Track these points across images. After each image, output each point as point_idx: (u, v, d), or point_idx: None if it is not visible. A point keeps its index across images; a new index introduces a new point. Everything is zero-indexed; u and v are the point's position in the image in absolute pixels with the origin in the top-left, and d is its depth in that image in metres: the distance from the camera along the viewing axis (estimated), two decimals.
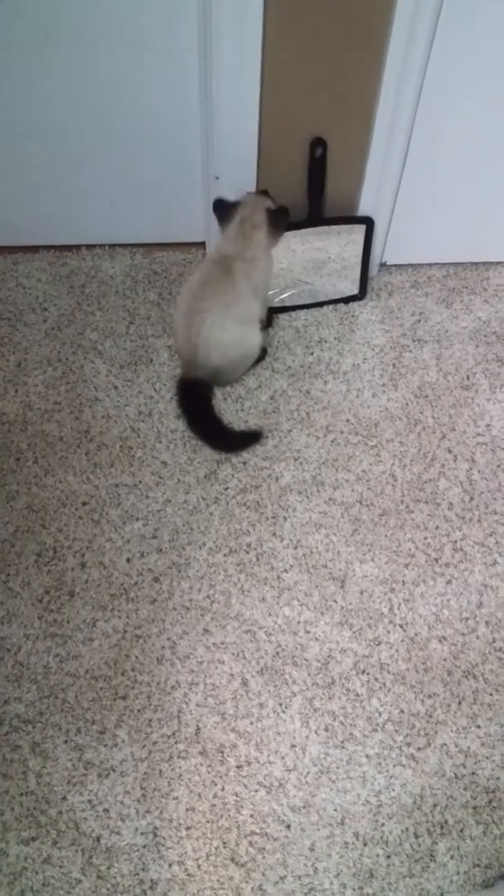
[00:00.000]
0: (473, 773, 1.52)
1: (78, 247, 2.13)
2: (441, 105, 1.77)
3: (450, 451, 1.88)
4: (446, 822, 1.47)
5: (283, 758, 1.51)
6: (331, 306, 2.11)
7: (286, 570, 1.71)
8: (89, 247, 2.14)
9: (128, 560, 1.70)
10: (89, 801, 1.46)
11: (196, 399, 1.87)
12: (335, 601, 1.67)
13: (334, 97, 1.74)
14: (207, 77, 1.71)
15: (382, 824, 1.47)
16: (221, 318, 1.78)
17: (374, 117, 1.76)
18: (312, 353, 2.03)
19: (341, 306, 2.11)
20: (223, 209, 1.85)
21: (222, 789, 1.48)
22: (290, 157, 1.86)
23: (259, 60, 1.63)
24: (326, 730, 1.54)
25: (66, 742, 1.51)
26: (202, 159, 1.92)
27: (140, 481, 1.80)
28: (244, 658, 1.61)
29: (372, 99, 1.73)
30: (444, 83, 1.72)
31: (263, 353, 1.97)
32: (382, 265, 2.19)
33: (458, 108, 1.79)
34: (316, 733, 1.54)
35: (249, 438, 1.87)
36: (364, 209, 1.97)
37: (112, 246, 2.15)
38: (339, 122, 1.79)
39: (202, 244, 2.17)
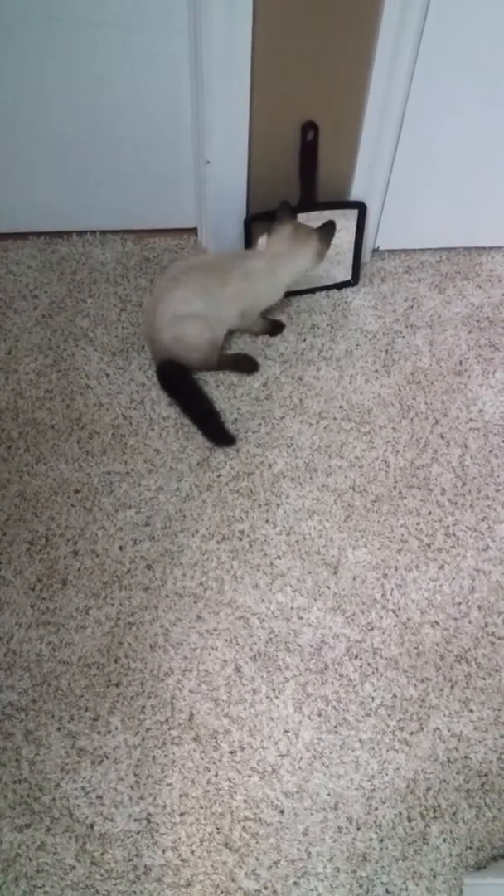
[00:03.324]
0: (466, 757, 1.52)
1: (69, 233, 2.12)
2: (433, 88, 1.75)
3: (442, 437, 1.88)
4: (439, 805, 1.48)
5: (276, 743, 1.51)
6: (323, 292, 2.11)
7: (279, 557, 1.71)
8: (80, 233, 2.12)
9: (120, 548, 1.70)
10: (83, 788, 1.46)
11: (176, 380, 1.86)
12: (328, 587, 1.67)
13: (326, 80, 1.73)
14: (198, 61, 1.69)
15: (376, 808, 1.47)
16: (191, 294, 1.78)
17: (366, 100, 1.75)
18: (305, 340, 2.02)
19: (334, 292, 2.10)
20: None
21: (216, 775, 1.48)
22: (282, 140, 1.84)
23: (249, 44, 1.61)
24: (319, 715, 1.54)
25: (59, 729, 1.51)
26: (193, 144, 1.90)
27: (132, 469, 1.79)
28: (237, 644, 1.61)
29: (363, 82, 1.71)
30: (436, 65, 1.70)
31: (251, 364, 1.97)
32: (375, 250, 2.18)
33: (450, 91, 1.77)
34: (309, 718, 1.54)
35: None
36: (356, 194, 1.96)
37: (103, 232, 2.13)
38: (330, 105, 1.78)
39: (194, 230, 2.16)
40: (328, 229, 1.84)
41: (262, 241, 1.88)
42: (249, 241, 2.00)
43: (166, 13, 1.65)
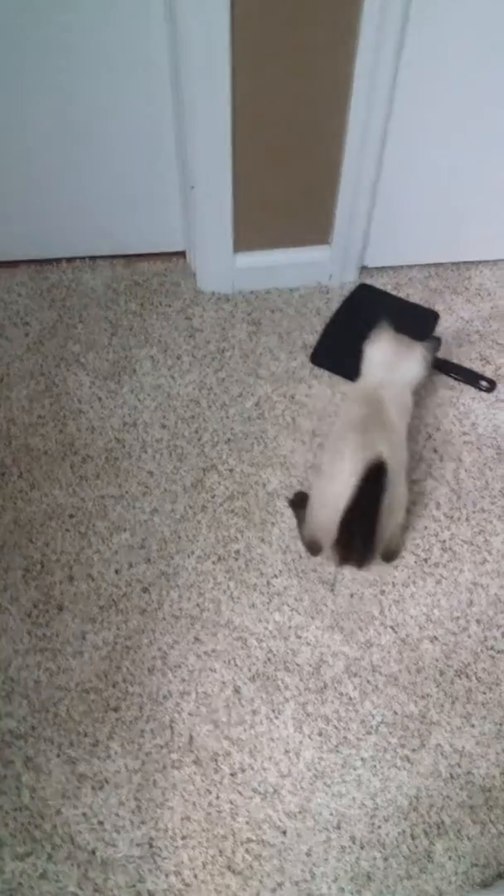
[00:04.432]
0: (469, 773, 1.51)
1: (58, 260, 2.14)
2: (414, 107, 1.77)
3: (436, 451, 1.88)
4: (443, 822, 1.47)
5: (277, 764, 1.50)
6: (314, 310, 2.12)
7: (276, 576, 1.71)
8: (70, 260, 2.14)
9: (116, 571, 1.69)
10: (84, 814, 1.45)
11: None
12: (325, 605, 1.67)
13: (306, 105, 1.74)
14: (178, 88, 1.72)
15: (379, 827, 1.46)
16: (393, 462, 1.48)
17: (348, 123, 1.76)
18: (296, 358, 2.03)
19: (323, 309, 2.12)
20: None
21: (217, 797, 1.47)
22: (267, 166, 1.86)
23: (228, 70, 1.62)
24: (320, 734, 1.53)
25: (58, 756, 1.50)
26: (178, 169, 1.93)
27: (126, 492, 1.80)
28: (236, 665, 1.60)
29: (344, 103, 1.73)
30: (417, 82, 1.72)
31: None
32: (364, 268, 2.20)
33: (432, 109, 1.79)
34: (310, 738, 1.53)
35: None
36: (341, 213, 1.98)
37: (93, 258, 2.15)
38: (312, 127, 1.79)
39: (182, 253, 2.18)
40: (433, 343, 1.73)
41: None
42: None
43: (146, 43, 1.67)
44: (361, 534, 1.46)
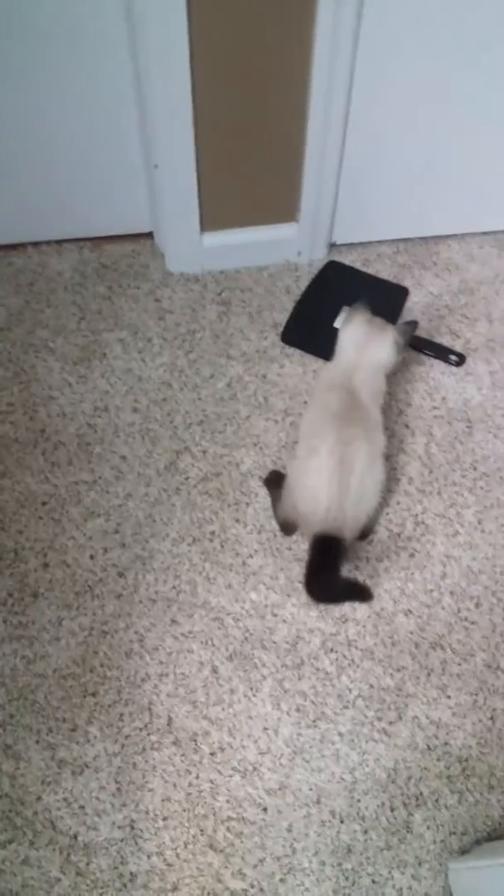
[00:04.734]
0: (446, 744, 1.53)
1: (23, 245, 2.11)
2: (376, 81, 1.76)
3: (407, 427, 1.89)
4: (421, 793, 1.49)
5: (256, 741, 1.51)
6: (283, 288, 2.11)
7: (251, 556, 1.71)
8: (35, 244, 2.12)
9: (91, 557, 1.69)
10: (65, 800, 1.46)
11: (329, 556, 1.47)
12: (301, 583, 1.67)
13: (267, 79, 1.72)
14: (137, 65, 1.69)
15: (358, 800, 1.47)
16: (369, 452, 1.51)
17: (310, 96, 1.75)
18: (266, 338, 2.02)
19: (293, 287, 2.11)
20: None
21: (197, 777, 1.48)
22: (229, 144, 1.84)
23: (186, 45, 1.60)
24: (298, 710, 1.55)
25: (37, 742, 1.50)
26: (141, 148, 1.90)
27: (99, 477, 1.79)
28: (213, 645, 1.61)
29: (305, 77, 1.71)
30: (378, 58, 1.71)
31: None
32: (333, 245, 2.19)
33: (394, 84, 1.78)
34: (288, 714, 1.54)
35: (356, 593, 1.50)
36: (307, 190, 1.96)
37: (59, 242, 2.13)
38: (274, 102, 1.77)
39: (150, 235, 2.16)
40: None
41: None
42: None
43: (104, 21, 1.65)
44: (325, 581, 1.46)
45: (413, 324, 1.73)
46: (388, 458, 1.82)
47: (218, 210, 1.99)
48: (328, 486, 1.45)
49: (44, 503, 1.74)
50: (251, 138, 1.83)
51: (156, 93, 1.69)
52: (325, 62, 1.67)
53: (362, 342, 1.66)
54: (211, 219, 2.01)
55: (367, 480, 1.50)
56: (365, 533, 1.69)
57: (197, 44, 1.61)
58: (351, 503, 1.47)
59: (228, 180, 1.92)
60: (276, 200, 2.01)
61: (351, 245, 2.20)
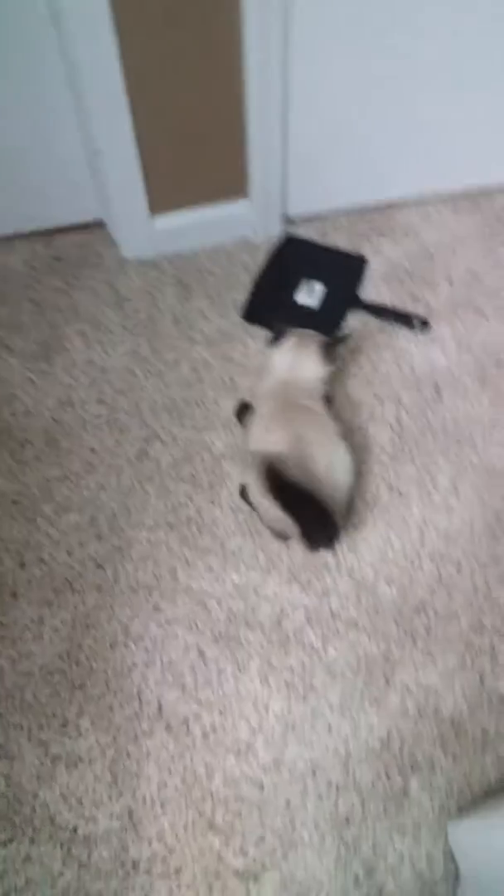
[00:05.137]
0: (436, 707, 1.54)
1: None
2: (312, 46, 1.74)
3: (376, 396, 1.88)
4: (415, 758, 1.50)
5: (247, 720, 1.52)
6: (241, 266, 2.09)
7: (229, 537, 1.71)
8: None
9: (68, 552, 1.68)
10: (61, 794, 1.45)
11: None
12: (281, 559, 1.68)
13: (199, 52, 1.69)
14: (66, 50, 1.66)
15: (353, 770, 1.48)
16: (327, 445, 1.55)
17: (244, 63, 1.72)
18: (228, 318, 2.01)
19: (251, 265, 2.10)
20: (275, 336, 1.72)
21: (191, 760, 1.48)
22: (169, 123, 1.81)
23: (112, 26, 1.57)
24: (287, 686, 1.55)
25: (29, 740, 1.50)
26: (81, 136, 1.87)
27: (70, 471, 1.77)
28: (197, 629, 1.60)
29: (237, 44, 1.68)
30: (311, 22, 1.68)
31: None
32: (288, 219, 2.17)
33: (332, 47, 1.76)
34: (277, 691, 1.54)
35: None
36: (254, 163, 1.94)
37: (9, 238, 2.10)
38: (209, 75, 1.74)
39: (101, 223, 2.13)
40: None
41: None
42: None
43: (25, 13, 1.62)
44: (315, 517, 1.45)
45: (343, 338, 1.70)
46: (360, 429, 1.82)
47: (165, 191, 1.97)
48: (288, 445, 1.48)
49: (15, 502, 1.73)
50: (190, 116, 1.81)
51: (88, 78, 1.66)
52: (256, 31, 1.65)
53: (291, 363, 1.66)
54: (159, 201, 1.98)
55: (334, 468, 1.52)
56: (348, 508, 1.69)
57: (123, 24, 1.58)
58: (326, 491, 1.47)
59: (172, 160, 1.89)
60: (224, 177, 1.99)
61: (307, 218, 2.19)
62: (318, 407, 1.63)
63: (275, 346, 1.70)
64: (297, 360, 1.66)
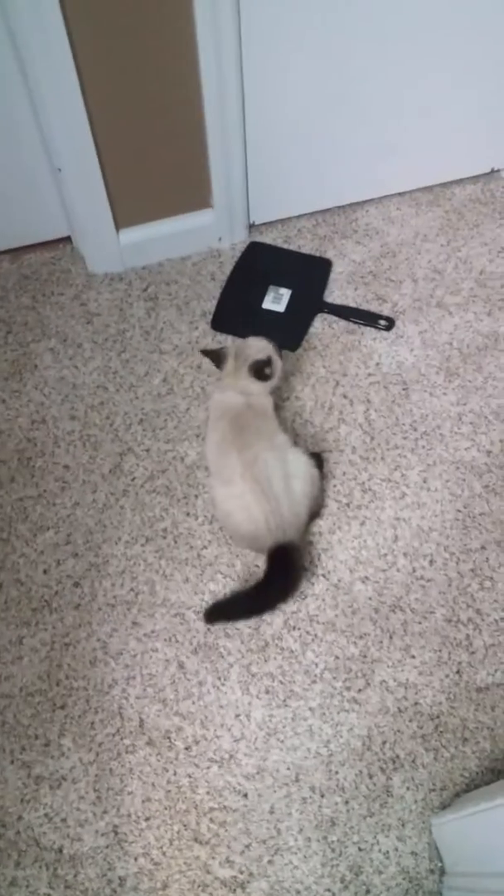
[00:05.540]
0: (416, 704, 1.54)
1: None
2: (264, 55, 1.74)
3: (345, 397, 1.89)
4: (397, 756, 1.50)
5: (229, 729, 1.52)
6: (208, 275, 2.10)
7: (205, 547, 1.71)
8: None
9: (44, 571, 1.68)
10: (46, 815, 1.46)
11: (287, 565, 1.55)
12: (257, 566, 1.68)
13: (156, 66, 1.70)
14: (25, 70, 1.67)
15: (336, 772, 1.48)
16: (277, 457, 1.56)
17: (201, 76, 1.72)
18: (197, 328, 2.01)
19: (218, 274, 2.10)
20: (215, 354, 1.72)
21: (174, 774, 1.48)
22: (130, 137, 1.82)
23: (66, 39, 1.57)
24: (267, 692, 1.55)
25: (12, 762, 1.50)
26: (44, 153, 1.88)
27: (44, 490, 1.78)
28: (177, 642, 1.61)
29: (193, 55, 1.68)
30: (262, 32, 1.69)
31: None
32: (252, 226, 2.18)
33: (284, 56, 1.76)
34: (258, 698, 1.55)
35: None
36: (216, 172, 1.94)
37: None
38: (167, 88, 1.75)
39: (68, 239, 2.14)
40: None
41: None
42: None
43: None
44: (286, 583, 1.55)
45: (262, 361, 1.64)
46: (330, 430, 1.83)
47: (130, 205, 1.97)
48: (258, 505, 1.50)
49: None
50: (151, 128, 1.81)
51: (45, 94, 1.67)
52: (210, 45, 1.65)
53: (234, 390, 1.66)
54: (125, 215, 1.99)
55: (291, 481, 1.55)
56: (313, 515, 1.69)
57: (77, 38, 1.58)
58: (286, 507, 1.52)
59: (135, 174, 1.90)
60: (187, 188, 2.00)
61: (271, 224, 2.19)
62: (269, 421, 1.64)
63: (216, 389, 1.71)
64: (239, 387, 1.66)
